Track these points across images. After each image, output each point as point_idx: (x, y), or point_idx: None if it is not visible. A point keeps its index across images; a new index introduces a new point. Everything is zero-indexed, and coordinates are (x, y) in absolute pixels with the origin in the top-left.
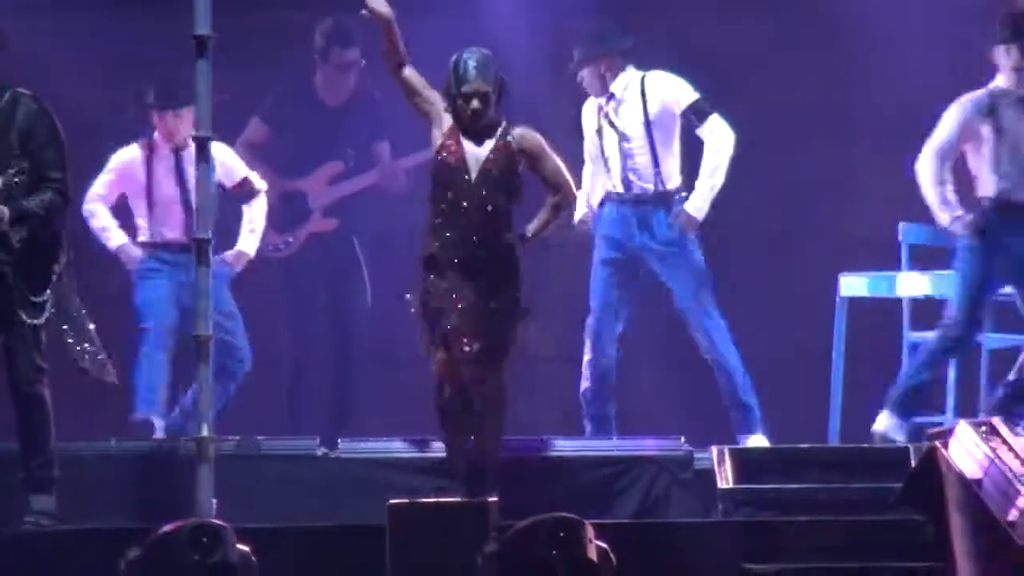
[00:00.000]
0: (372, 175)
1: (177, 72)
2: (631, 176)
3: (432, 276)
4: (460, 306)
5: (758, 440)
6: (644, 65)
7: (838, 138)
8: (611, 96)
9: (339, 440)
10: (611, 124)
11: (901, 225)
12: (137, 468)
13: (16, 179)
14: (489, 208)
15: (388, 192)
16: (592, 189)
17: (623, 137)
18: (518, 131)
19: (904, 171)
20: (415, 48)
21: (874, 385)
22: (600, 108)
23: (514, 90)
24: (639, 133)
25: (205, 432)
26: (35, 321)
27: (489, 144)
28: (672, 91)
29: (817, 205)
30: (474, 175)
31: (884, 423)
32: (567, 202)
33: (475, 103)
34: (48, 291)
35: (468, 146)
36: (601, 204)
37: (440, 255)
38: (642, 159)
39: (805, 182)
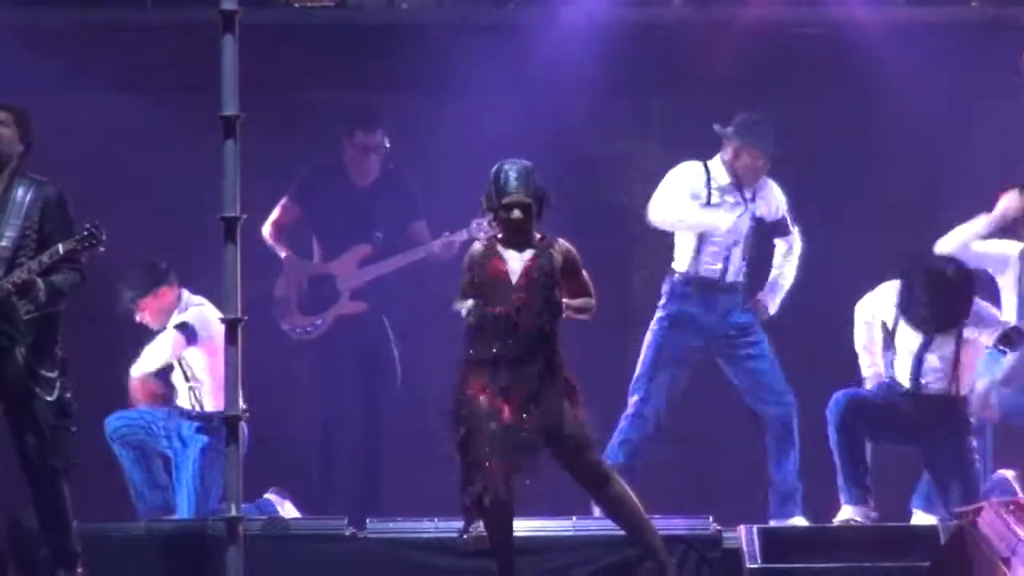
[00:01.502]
0: (413, 253)
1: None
2: (729, 264)
3: (473, 381)
4: (502, 415)
5: (798, 522)
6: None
7: (861, 219)
8: (743, 189)
9: (368, 520)
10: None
11: None
12: (166, 549)
13: (29, 257)
14: (532, 313)
15: (425, 266)
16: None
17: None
18: (560, 243)
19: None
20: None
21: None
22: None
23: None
24: (749, 228)
25: (234, 512)
26: (49, 397)
27: (529, 252)
28: (781, 198)
29: (841, 286)
30: (515, 279)
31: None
32: (589, 317)
33: (516, 213)
34: (57, 368)
35: (509, 255)
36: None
37: (483, 361)
38: (740, 250)
39: (828, 263)
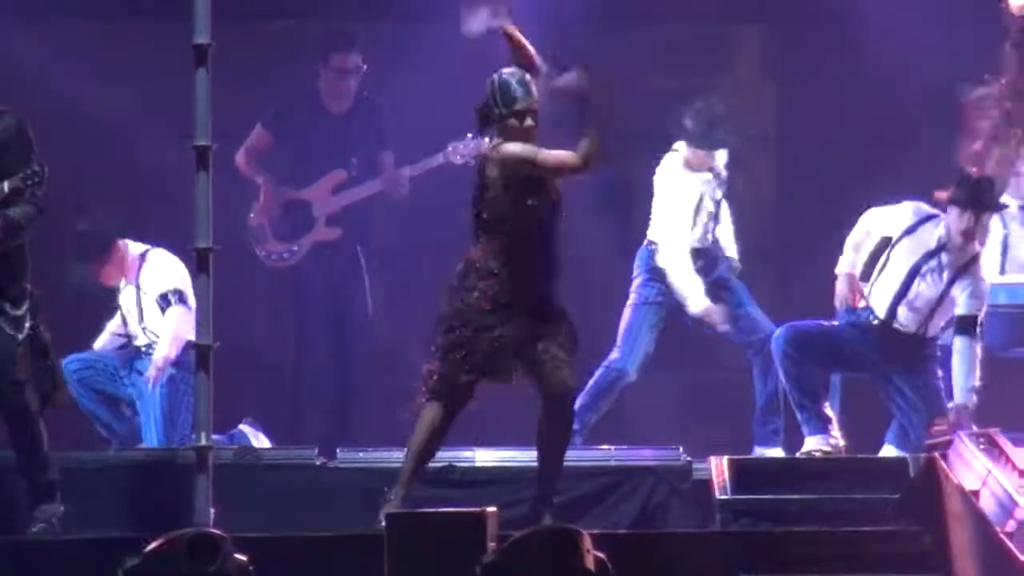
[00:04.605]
0: (376, 184)
1: None
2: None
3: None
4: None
5: (778, 453)
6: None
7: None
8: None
9: (338, 449)
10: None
11: None
12: (136, 477)
13: None
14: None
15: (391, 200)
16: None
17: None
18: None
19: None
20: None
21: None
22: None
23: None
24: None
25: (204, 441)
26: (16, 334)
27: None
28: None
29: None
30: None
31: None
32: None
33: (529, 120)
34: (26, 304)
35: None
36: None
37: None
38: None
39: (810, 192)
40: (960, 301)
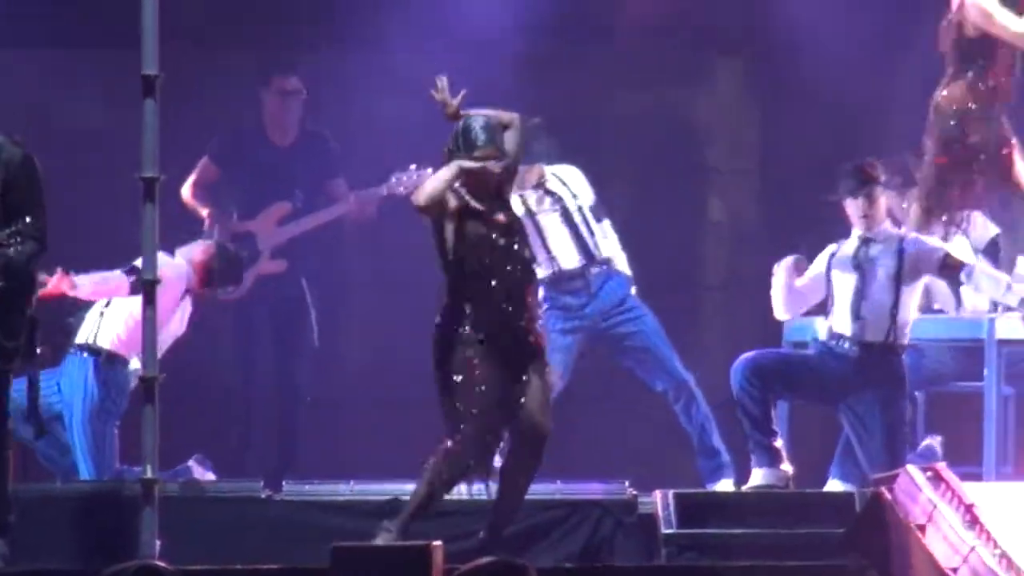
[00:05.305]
0: (333, 210)
1: None
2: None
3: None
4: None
5: (727, 486)
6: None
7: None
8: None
9: (284, 482)
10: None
11: None
12: (81, 509)
13: None
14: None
15: (357, 223)
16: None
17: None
18: None
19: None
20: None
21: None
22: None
23: None
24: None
25: (149, 473)
26: (5, 367)
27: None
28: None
29: (763, 247)
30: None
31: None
32: None
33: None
34: (21, 336)
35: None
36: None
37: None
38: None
39: (752, 224)
40: (928, 261)
